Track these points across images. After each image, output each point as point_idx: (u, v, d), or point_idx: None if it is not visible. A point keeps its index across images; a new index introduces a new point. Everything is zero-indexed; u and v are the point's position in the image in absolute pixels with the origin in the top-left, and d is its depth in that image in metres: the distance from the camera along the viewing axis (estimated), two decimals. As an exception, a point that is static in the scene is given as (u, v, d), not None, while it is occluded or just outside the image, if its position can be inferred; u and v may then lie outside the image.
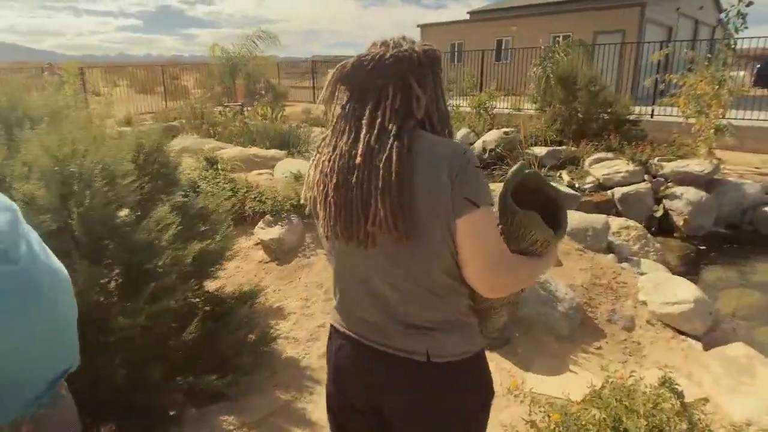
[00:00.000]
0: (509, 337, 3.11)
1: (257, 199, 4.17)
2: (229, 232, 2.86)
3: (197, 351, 2.54)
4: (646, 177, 6.57)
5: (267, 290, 3.50)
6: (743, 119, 8.52)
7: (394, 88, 1.05)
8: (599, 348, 3.07)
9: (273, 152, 6.08)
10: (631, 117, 8.17)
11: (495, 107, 9.38)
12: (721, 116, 6.95)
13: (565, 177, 6.89)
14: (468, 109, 9.37)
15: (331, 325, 1.27)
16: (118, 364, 2.08)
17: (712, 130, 6.83)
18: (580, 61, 8.06)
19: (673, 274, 4.90)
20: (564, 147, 7.78)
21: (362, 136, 1.04)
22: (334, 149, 1.08)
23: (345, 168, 1.05)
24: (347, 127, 1.08)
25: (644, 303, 3.42)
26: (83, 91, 10.11)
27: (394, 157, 1.00)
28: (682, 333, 3.23)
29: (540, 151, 7.55)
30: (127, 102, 13.43)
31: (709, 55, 7.39)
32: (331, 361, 1.25)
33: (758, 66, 14.33)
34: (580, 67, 7.88)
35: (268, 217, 4.05)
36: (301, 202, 1.22)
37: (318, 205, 1.12)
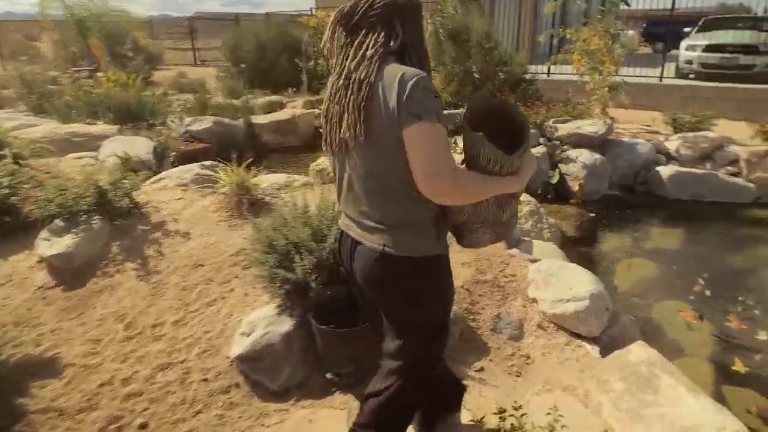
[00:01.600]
0: (370, 367, 2.40)
1: (43, 197, 3.06)
2: None
3: None
4: (542, 140, 6.14)
5: (42, 331, 2.50)
6: (633, 76, 8.43)
7: (381, 25, 1.31)
8: (481, 370, 2.45)
9: (101, 128, 4.85)
10: (527, 76, 7.72)
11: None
12: (614, 73, 6.67)
13: (461, 143, 6.30)
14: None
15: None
16: None
17: (606, 88, 6.53)
18: (474, 15, 7.41)
19: (570, 245, 4.54)
20: (460, 110, 7.17)
21: (348, 62, 1.32)
22: (331, 79, 1.39)
23: (334, 90, 1.36)
24: (342, 60, 1.35)
25: (534, 301, 2.86)
26: None
27: (362, 76, 1.27)
28: (577, 335, 2.71)
29: (434, 115, 6.88)
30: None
31: (602, 8, 7.03)
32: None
33: (644, 25, 14.87)
34: (473, 23, 7.23)
35: (57, 222, 2.98)
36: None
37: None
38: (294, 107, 7.09)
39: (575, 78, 7.07)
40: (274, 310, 2.46)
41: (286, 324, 2.39)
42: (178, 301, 2.66)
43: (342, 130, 1.31)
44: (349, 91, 1.28)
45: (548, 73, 9.26)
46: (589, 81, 6.66)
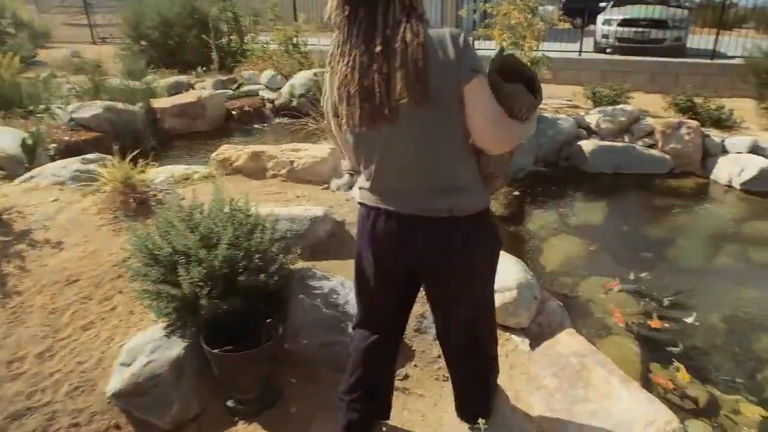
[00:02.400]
0: (279, 388, 2.10)
1: None
2: None
3: None
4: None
5: None
6: (554, 51, 8.48)
7: None
8: (405, 378, 2.22)
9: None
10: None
11: (307, 44, 8.06)
12: (535, 48, 6.61)
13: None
14: (275, 46, 7.93)
15: (363, 204, 1.51)
16: None
17: (528, 63, 6.46)
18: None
19: (497, 225, 4.45)
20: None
21: (379, 30, 1.27)
22: (351, 54, 1.30)
23: (366, 63, 1.28)
24: (361, 31, 1.29)
25: (462, 294, 2.67)
26: None
27: (408, 39, 1.24)
28: (506, 328, 2.56)
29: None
30: None
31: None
32: (366, 234, 1.51)
33: (563, 1, 15.15)
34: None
35: None
36: (323, 111, 1.48)
37: (340, 106, 1.35)
38: (203, 88, 6.48)
39: (498, 53, 6.95)
40: (162, 332, 2.09)
41: (176, 347, 2.03)
42: (45, 328, 2.21)
43: (394, 97, 1.26)
44: (400, 56, 1.24)
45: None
46: (512, 56, 6.56)
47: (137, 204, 2.82)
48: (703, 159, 5.54)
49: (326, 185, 3.44)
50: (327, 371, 2.17)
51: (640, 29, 8.83)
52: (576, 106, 6.57)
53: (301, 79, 6.60)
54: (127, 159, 2.92)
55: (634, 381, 2.22)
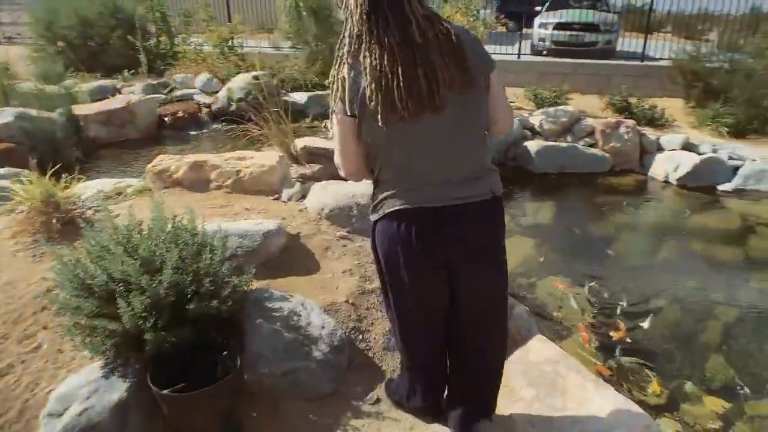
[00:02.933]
0: (239, 423, 1.89)
1: None
2: None
3: None
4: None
5: None
6: (494, 54, 8.63)
7: None
8: (377, 402, 2.06)
9: None
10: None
11: (244, 45, 7.71)
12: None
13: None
14: (210, 49, 7.52)
15: (393, 213, 1.44)
16: None
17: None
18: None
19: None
20: (328, 91, 6.66)
21: (414, 22, 1.29)
22: (383, 46, 1.29)
23: (406, 53, 1.29)
24: (390, 24, 1.28)
25: (429, 306, 2.55)
26: None
27: (444, 30, 1.32)
28: (476, 339, 2.46)
29: (300, 97, 6.31)
30: None
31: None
32: (401, 242, 1.45)
33: (497, 5, 15.55)
34: (334, -5, 6.75)
35: None
36: (335, 109, 1.42)
37: (372, 102, 1.30)
38: (131, 93, 6.01)
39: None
40: (99, 372, 1.81)
41: (118, 389, 1.76)
42: (-50, 377, 1.86)
43: (443, 84, 1.30)
44: (444, 45, 1.30)
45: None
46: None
47: (62, 225, 2.49)
48: (641, 157, 5.78)
49: (276, 196, 3.21)
50: (287, 399, 1.97)
51: (574, 32, 9.16)
52: (519, 108, 6.69)
53: (239, 82, 6.27)
54: (48, 173, 2.57)
55: (608, 385, 2.19)
